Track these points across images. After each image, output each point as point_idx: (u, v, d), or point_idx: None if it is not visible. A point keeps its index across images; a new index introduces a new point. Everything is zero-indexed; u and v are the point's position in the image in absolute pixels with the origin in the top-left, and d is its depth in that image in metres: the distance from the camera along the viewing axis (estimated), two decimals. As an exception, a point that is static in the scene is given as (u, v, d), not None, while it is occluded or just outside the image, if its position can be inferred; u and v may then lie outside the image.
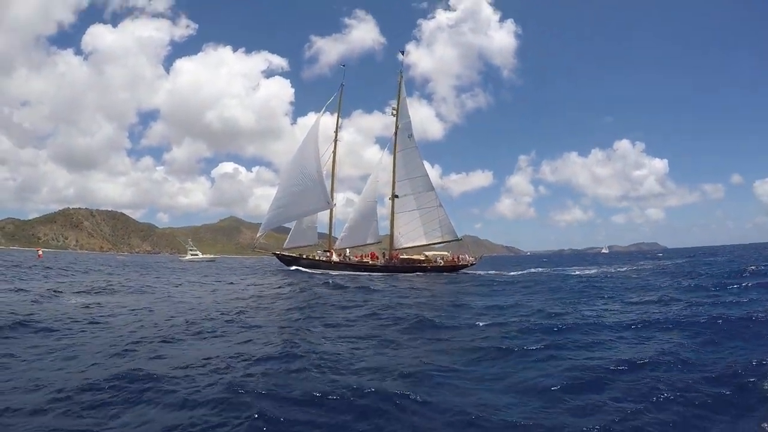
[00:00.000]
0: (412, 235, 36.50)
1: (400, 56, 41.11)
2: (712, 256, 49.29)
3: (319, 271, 34.24)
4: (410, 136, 36.76)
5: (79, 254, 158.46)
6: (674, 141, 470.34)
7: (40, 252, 76.00)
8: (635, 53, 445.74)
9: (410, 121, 37.06)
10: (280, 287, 20.47)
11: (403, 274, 33.43)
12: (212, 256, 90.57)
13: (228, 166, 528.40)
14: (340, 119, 40.50)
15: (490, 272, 34.99)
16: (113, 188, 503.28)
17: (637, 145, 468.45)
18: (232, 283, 23.28)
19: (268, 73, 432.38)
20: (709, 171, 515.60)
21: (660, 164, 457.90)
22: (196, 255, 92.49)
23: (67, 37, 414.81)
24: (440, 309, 13.83)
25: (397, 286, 21.86)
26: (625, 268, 32.58)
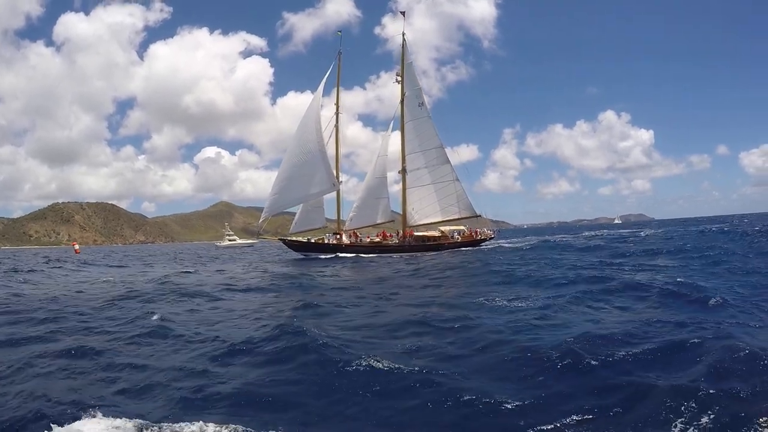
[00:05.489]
0: (427, 211, 34.20)
1: (401, 17, 37.21)
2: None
3: (329, 256, 32.19)
4: (421, 104, 33.93)
5: (114, 248, 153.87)
6: (660, 111, 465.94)
7: (77, 247, 77.28)
8: (617, 22, 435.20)
9: (420, 88, 34.14)
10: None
11: (422, 253, 31.42)
12: (252, 241, 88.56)
13: (210, 151, 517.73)
14: (338, 91, 37.45)
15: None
16: (96, 180, 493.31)
17: (622, 116, 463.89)
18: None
19: (246, 54, 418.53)
20: (695, 141, 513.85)
21: (646, 135, 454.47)
22: (234, 240, 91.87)
23: (37, 29, 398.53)
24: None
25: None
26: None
